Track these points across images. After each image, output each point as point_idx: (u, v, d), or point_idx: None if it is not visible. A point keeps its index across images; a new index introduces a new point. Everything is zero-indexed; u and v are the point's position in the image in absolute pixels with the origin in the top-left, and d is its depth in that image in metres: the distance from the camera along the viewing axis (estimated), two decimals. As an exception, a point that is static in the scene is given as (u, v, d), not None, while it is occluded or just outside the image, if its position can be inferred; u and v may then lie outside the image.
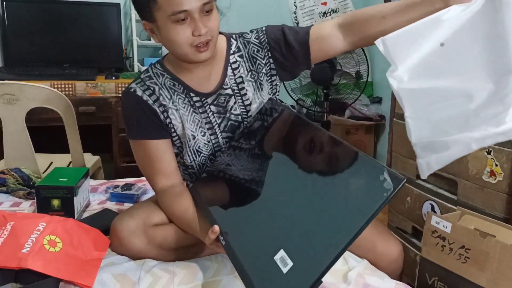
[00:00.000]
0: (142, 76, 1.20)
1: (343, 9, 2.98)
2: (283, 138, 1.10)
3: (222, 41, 1.21)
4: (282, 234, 0.87)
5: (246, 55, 1.21)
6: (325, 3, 2.99)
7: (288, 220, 0.88)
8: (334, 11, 2.98)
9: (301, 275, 0.78)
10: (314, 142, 0.99)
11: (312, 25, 1.18)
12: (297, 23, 2.99)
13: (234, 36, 1.23)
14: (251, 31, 1.23)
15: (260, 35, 1.20)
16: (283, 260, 0.81)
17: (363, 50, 2.73)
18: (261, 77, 1.21)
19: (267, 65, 1.20)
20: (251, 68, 1.21)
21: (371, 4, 3.20)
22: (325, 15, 2.98)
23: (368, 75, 2.78)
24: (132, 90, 1.17)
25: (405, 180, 0.75)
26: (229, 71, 1.20)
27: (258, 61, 1.20)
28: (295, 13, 3.00)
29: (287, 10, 3.02)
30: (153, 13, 1.05)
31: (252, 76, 1.21)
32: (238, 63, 1.21)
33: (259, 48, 1.20)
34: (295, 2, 2.99)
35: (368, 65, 2.76)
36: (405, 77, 0.91)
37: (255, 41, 1.20)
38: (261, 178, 1.06)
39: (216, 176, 1.19)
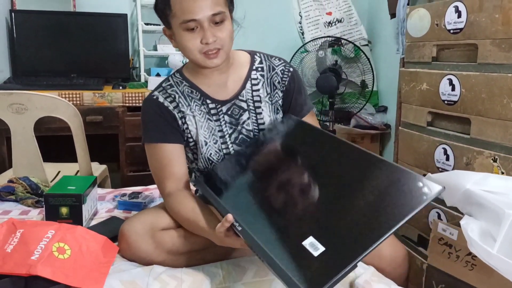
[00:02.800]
0: (163, 84, 1.27)
1: (348, 19, 3.01)
2: (312, 153, 1.14)
3: (244, 56, 1.29)
4: (310, 222, 0.92)
5: (268, 79, 1.28)
6: (330, 13, 3.02)
7: (318, 210, 0.94)
8: (339, 21, 3.01)
9: (336, 257, 0.82)
10: (349, 159, 1.05)
11: (312, 110, 1.34)
12: (302, 33, 3.01)
13: (258, 54, 1.31)
14: (279, 59, 1.30)
15: (285, 72, 1.28)
16: (313, 245, 0.85)
17: (368, 59, 2.75)
18: (276, 103, 1.28)
19: (280, 98, 1.29)
20: (270, 92, 1.27)
21: (375, 14, 3.20)
22: (330, 24, 3.01)
23: (373, 84, 2.80)
24: (154, 97, 1.24)
25: (443, 188, 0.85)
26: (248, 85, 1.26)
27: (276, 90, 1.28)
28: (300, 23, 3.03)
29: (292, 20, 3.04)
30: (169, 20, 1.14)
31: (270, 99, 1.27)
32: (258, 80, 1.27)
33: (279, 81, 1.28)
34: (300, 12, 3.01)
35: (373, 74, 2.77)
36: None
37: (279, 73, 1.28)
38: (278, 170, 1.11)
39: (224, 168, 1.22)
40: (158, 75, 2.66)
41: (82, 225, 1.30)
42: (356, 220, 0.88)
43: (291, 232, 0.92)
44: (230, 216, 0.96)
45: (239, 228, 0.95)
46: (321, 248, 0.83)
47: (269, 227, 0.96)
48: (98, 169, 2.07)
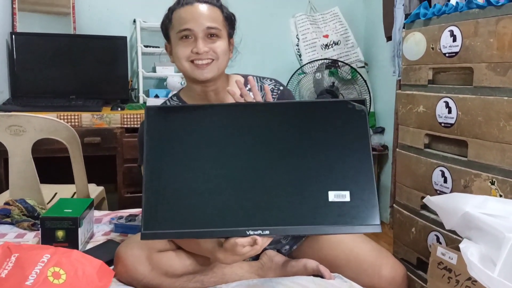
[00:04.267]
0: None
1: (344, 42, 3.04)
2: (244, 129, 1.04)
3: (238, 79, 1.32)
4: (317, 182, 0.94)
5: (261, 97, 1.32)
6: (327, 36, 3.05)
7: (312, 170, 0.95)
8: (336, 43, 3.04)
9: (363, 187, 0.91)
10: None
11: None
12: (300, 55, 3.04)
13: (251, 76, 1.35)
14: (271, 80, 1.37)
15: (275, 90, 1.34)
16: (339, 195, 0.90)
17: (364, 81, 2.77)
18: None
19: None
20: None
21: (371, 36, 3.22)
22: (326, 47, 3.04)
23: (370, 106, 2.81)
24: None
25: (365, 98, 1.00)
26: None
27: None
28: (297, 45, 3.06)
29: (289, 42, 3.08)
30: (169, 33, 1.24)
31: None
32: (252, 99, 1.29)
33: (270, 98, 1.32)
34: (297, 35, 3.05)
35: (370, 96, 2.79)
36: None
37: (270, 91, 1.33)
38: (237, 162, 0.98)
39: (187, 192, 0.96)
40: (156, 96, 2.67)
41: (78, 248, 1.29)
42: (342, 157, 0.95)
43: (312, 202, 0.91)
44: (259, 239, 0.89)
45: (267, 232, 0.89)
46: (346, 193, 0.90)
47: (288, 211, 0.90)
48: (95, 191, 2.06)
